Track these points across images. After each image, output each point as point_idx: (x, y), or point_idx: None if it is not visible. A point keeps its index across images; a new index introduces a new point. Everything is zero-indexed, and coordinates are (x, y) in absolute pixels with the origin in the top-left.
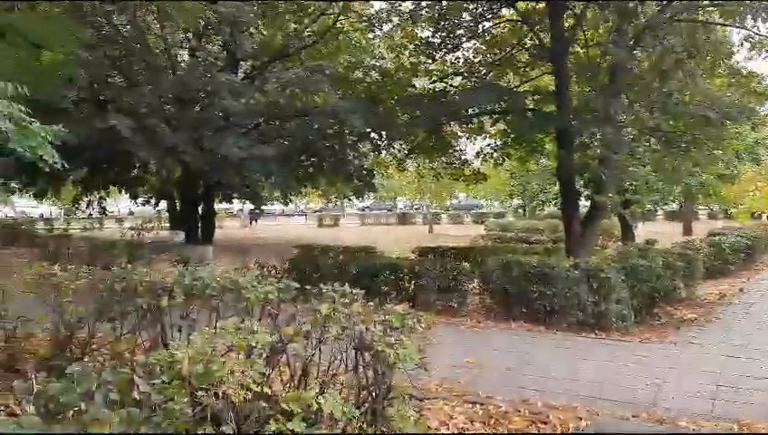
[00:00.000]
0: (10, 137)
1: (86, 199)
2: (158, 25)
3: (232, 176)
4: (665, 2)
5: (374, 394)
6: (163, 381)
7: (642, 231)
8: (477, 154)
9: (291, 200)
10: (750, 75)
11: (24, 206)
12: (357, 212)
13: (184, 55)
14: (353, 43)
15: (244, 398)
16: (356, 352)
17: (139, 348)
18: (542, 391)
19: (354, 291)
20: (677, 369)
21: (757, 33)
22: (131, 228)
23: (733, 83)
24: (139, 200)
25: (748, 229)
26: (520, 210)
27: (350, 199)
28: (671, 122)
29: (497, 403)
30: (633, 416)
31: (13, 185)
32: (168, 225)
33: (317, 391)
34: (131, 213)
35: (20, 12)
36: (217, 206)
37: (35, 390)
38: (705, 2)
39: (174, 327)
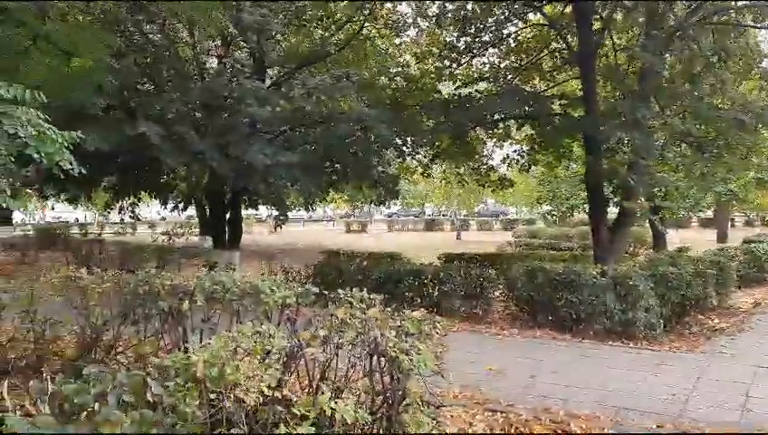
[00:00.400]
0: (28, 143)
1: (118, 205)
2: (187, 33)
3: (257, 182)
4: (695, 3)
5: (389, 401)
6: (178, 384)
7: (676, 238)
8: (504, 160)
9: (314, 207)
10: None
11: (62, 211)
12: (384, 218)
13: (212, 63)
14: (379, 49)
15: (257, 401)
16: (371, 358)
17: (162, 351)
18: (565, 400)
19: (371, 296)
20: (706, 379)
21: None
22: (162, 233)
23: (765, 87)
24: (169, 206)
25: None
26: (549, 217)
27: (378, 205)
28: (702, 127)
29: (518, 412)
30: (657, 426)
31: (48, 191)
32: (197, 230)
33: (331, 396)
34: (163, 218)
35: (51, 21)
36: (245, 212)
37: (50, 390)
38: (737, 2)
39: (195, 331)
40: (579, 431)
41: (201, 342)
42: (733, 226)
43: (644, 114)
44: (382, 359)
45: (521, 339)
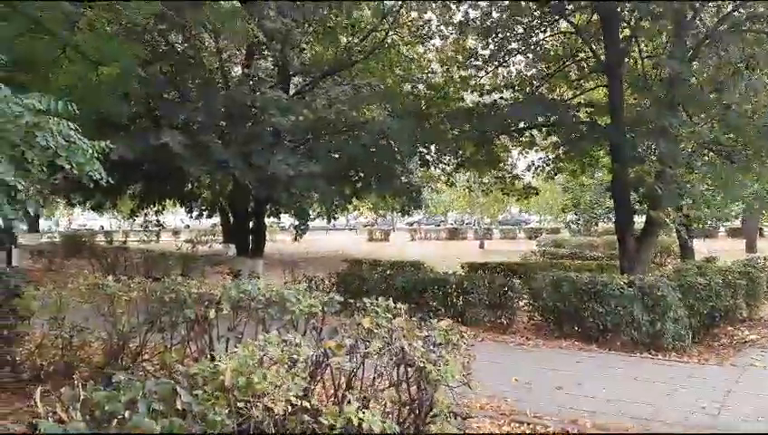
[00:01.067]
0: (59, 153)
1: (143, 212)
2: (212, 42)
3: (280, 192)
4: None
5: (416, 411)
6: (206, 392)
7: (703, 248)
8: (528, 168)
9: (336, 216)
10: None
11: (86, 219)
12: (406, 227)
13: (236, 71)
14: (403, 57)
15: (285, 411)
16: (398, 368)
17: (188, 358)
18: (592, 412)
19: (397, 305)
20: (737, 392)
21: None
22: (186, 241)
23: None
24: (193, 214)
25: None
26: (574, 225)
27: (403, 215)
28: (731, 136)
29: (545, 423)
30: None
31: (75, 199)
32: (221, 238)
33: (358, 405)
34: (186, 226)
35: (80, 31)
36: (268, 220)
37: (82, 397)
38: None
39: (221, 339)
40: None
41: (227, 350)
42: (761, 235)
43: (671, 122)
44: (409, 369)
45: (546, 349)
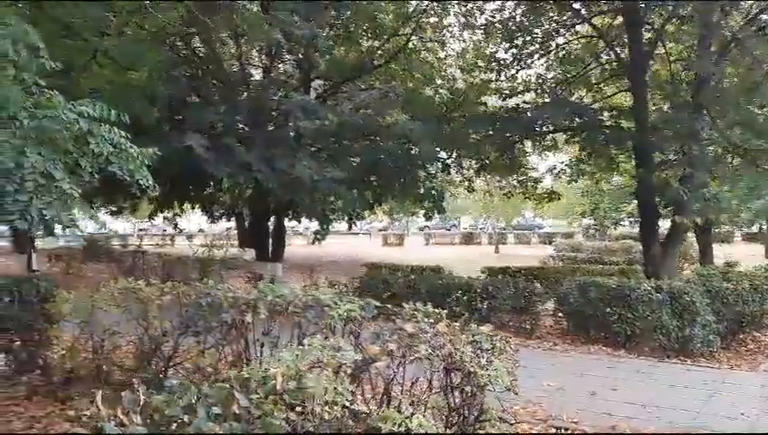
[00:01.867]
0: (111, 160)
1: (161, 216)
2: (233, 45)
3: (303, 196)
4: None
5: (464, 416)
6: (259, 396)
7: (720, 253)
8: (550, 171)
9: (356, 222)
10: None
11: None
12: (418, 232)
13: (258, 75)
14: (425, 61)
15: (336, 415)
16: (447, 373)
17: (221, 362)
18: (630, 418)
19: (438, 310)
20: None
21: None
22: (202, 245)
23: None
24: (214, 217)
25: None
26: (591, 230)
27: (426, 219)
28: (755, 139)
29: (584, 428)
30: None
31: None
32: (236, 242)
33: (406, 410)
34: (201, 230)
35: (109, 37)
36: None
37: (142, 401)
38: None
39: (256, 343)
40: None
41: (261, 354)
42: None
43: (700, 126)
44: (458, 373)
45: (575, 354)
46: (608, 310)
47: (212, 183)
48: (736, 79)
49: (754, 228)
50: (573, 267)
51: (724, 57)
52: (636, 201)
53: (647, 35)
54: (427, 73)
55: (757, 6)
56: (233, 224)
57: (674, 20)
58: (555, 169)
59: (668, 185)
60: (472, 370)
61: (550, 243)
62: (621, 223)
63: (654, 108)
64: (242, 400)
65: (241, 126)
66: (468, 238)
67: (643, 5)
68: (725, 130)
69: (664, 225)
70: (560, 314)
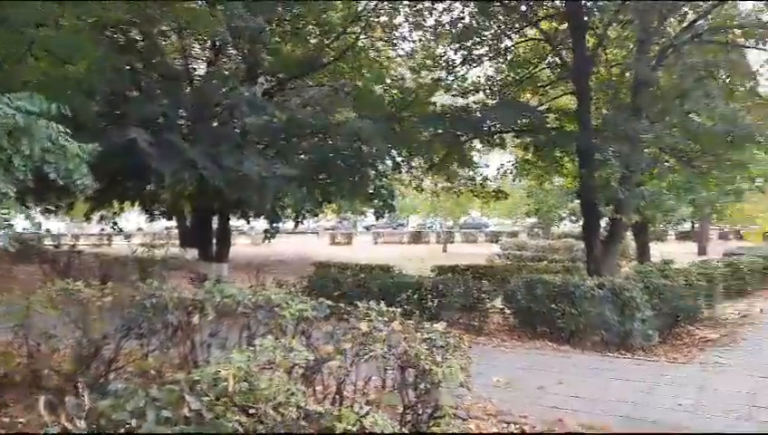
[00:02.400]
0: (48, 160)
1: (98, 215)
2: (176, 38)
3: (251, 193)
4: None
5: (419, 413)
6: (210, 398)
7: (655, 251)
8: (498, 169)
9: (304, 219)
10: None
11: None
12: (364, 231)
13: (202, 68)
14: (375, 60)
15: (289, 416)
16: (402, 371)
17: (166, 366)
18: (575, 411)
19: (391, 309)
20: (709, 389)
21: None
22: (141, 245)
23: (752, 106)
24: (148, 217)
25: (765, 249)
26: (535, 229)
27: (377, 217)
28: (690, 142)
29: (532, 422)
30: None
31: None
32: (177, 242)
33: (360, 409)
34: (139, 229)
35: (46, 27)
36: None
37: (87, 406)
38: (730, 21)
39: (203, 345)
40: None
41: (209, 356)
42: (708, 239)
43: (636, 128)
44: (411, 371)
45: (523, 350)
46: (553, 306)
47: (153, 180)
48: (670, 83)
49: (686, 227)
50: (519, 265)
51: (661, 62)
52: (578, 201)
53: (591, 40)
54: (377, 72)
55: (694, 13)
56: (173, 223)
57: (615, 25)
58: (502, 168)
59: (608, 185)
60: (427, 367)
61: (496, 242)
62: (564, 222)
63: (597, 111)
64: (193, 402)
65: (184, 121)
66: (417, 237)
67: (586, 11)
68: (662, 132)
69: (606, 224)
70: (507, 311)
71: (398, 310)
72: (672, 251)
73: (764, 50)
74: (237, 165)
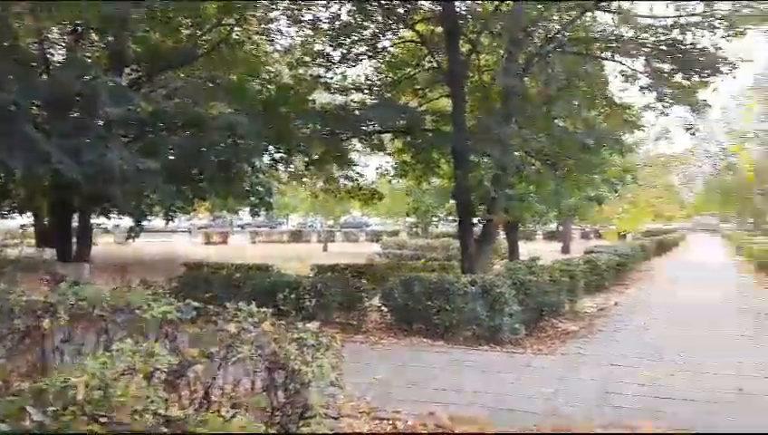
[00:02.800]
0: None
1: None
2: (32, 20)
3: (114, 189)
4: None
5: (288, 414)
6: (57, 409)
7: (524, 250)
8: (377, 169)
9: (173, 217)
10: (623, 106)
11: None
12: (240, 230)
13: (61, 54)
14: (252, 54)
15: (147, 423)
16: (269, 372)
17: (14, 375)
18: (446, 404)
19: (263, 310)
20: (569, 378)
21: (630, 67)
22: None
23: (609, 113)
24: (3, 214)
25: (620, 247)
26: (414, 228)
27: (252, 215)
28: (554, 147)
29: (404, 418)
30: (534, 425)
31: None
32: (33, 241)
33: (227, 413)
34: None
35: None
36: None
37: None
38: (587, 34)
39: (55, 351)
40: (460, 432)
41: (62, 363)
42: (571, 238)
43: (505, 132)
44: (281, 372)
45: (398, 348)
46: (429, 303)
47: (2, 175)
48: (538, 91)
49: (553, 227)
50: (398, 264)
51: (528, 70)
52: (454, 201)
53: (465, 45)
54: (253, 66)
55: (560, 24)
56: (29, 220)
57: (486, 32)
58: (380, 168)
59: (481, 186)
60: (296, 367)
61: (377, 241)
62: (442, 222)
63: (471, 114)
64: (35, 414)
65: (39, 111)
66: (297, 236)
67: (460, 16)
68: (529, 136)
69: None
70: (385, 309)
71: (270, 310)
72: (539, 249)
73: (618, 62)
74: (99, 158)
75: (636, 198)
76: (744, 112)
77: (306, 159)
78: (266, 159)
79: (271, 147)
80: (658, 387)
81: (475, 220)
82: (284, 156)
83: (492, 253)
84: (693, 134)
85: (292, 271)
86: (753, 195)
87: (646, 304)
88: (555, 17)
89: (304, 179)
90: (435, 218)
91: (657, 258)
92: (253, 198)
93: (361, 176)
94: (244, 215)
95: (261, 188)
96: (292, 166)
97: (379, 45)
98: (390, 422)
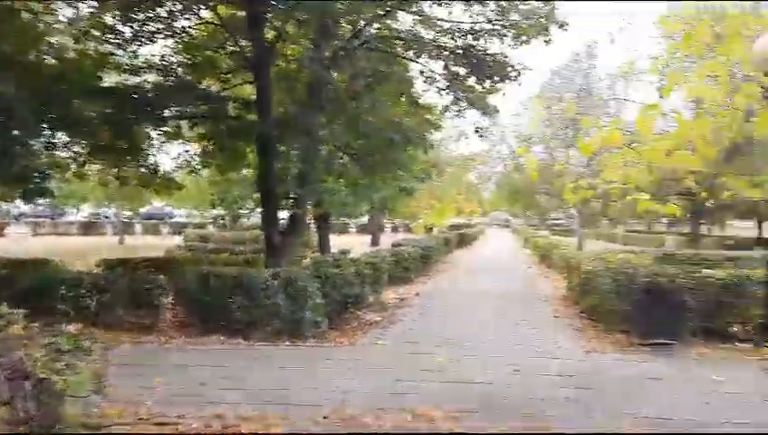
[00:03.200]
0: None
1: None
2: None
3: None
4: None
5: (36, 429)
6: None
7: (337, 242)
8: (174, 159)
9: None
10: (425, 106)
11: None
12: (16, 220)
13: None
14: (25, 22)
15: None
16: (10, 383)
17: None
18: (236, 404)
19: (15, 311)
20: (365, 368)
21: (430, 69)
22: None
23: (412, 112)
24: None
25: (424, 240)
26: (222, 220)
27: (26, 203)
28: (361, 142)
29: (189, 422)
30: (324, 417)
31: None
32: None
33: None
34: None
35: None
36: None
37: None
38: (391, 32)
39: None
40: (247, 432)
41: None
42: (383, 231)
43: (312, 124)
44: (27, 382)
45: (190, 347)
46: (229, 299)
47: None
48: (345, 85)
49: (365, 220)
50: (200, 258)
51: (335, 64)
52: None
53: (271, 32)
54: (32, 36)
55: (366, 20)
56: None
57: (293, 22)
58: (180, 156)
59: (287, 178)
60: (44, 376)
61: (181, 233)
62: (251, 213)
63: (279, 103)
64: None
65: None
66: (89, 228)
67: (263, 2)
68: (337, 130)
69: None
70: (180, 307)
71: (22, 311)
72: (352, 242)
73: (420, 63)
74: None
75: (441, 195)
76: (531, 118)
77: (90, 144)
78: (44, 141)
79: (50, 128)
80: (448, 372)
81: (282, 213)
82: (67, 139)
83: (299, 246)
84: (482, 136)
85: (80, 267)
86: (537, 194)
87: (444, 293)
88: (363, 14)
89: (91, 166)
90: (243, 210)
91: (460, 250)
92: (28, 184)
93: (157, 164)
94: (22, 204)
95: (37, 174)
96: (75, 150)
97: (177, 24)
98: (174, 427)
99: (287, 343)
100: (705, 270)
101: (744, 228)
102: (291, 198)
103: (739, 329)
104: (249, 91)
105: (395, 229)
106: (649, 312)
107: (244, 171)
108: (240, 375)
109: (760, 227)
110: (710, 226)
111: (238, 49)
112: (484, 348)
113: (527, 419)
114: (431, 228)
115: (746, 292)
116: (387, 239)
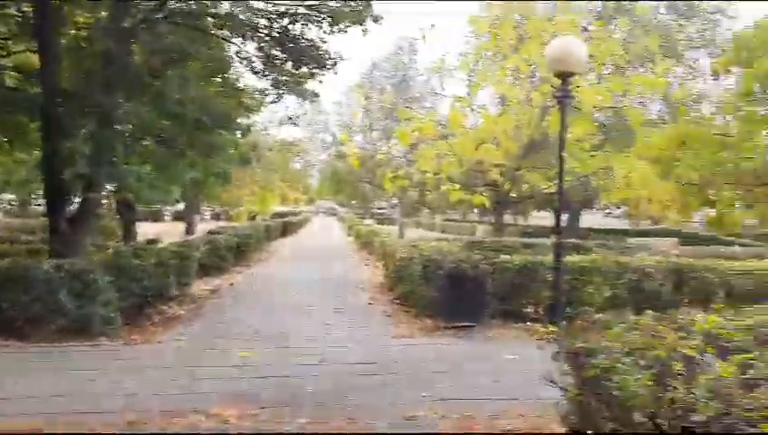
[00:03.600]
0: None
1: None
2: None
3: None
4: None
5: None
6: None
7: (150, 230)
8: None
9: None
10: (240, 89)
11: None
12: None
13: None
14: None
15: None
16: None
17: None
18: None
19: None
20: (160, 367)
21: (245, 51)
22: None
23: (227, 94)
24: None
25: (241, 228)
26: (9, 206)
27: None
28: (167, 123)
29: None
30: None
31: None
32: None
33: None
34: None
35: None
36: None
37: None
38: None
39: None
40: None
41: None
42: (203, 219)
43: (106, 101)
44: None
45: None
46: (1, 295)
47: None
48: (143, 60)
49: (182, 207)
50: None
51: (134, 37)
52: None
53: None
54: None
55: None
56: None
57: None
58: None
59: (76, 159)
60: None
61: None
62: (40, 199)
63: (69, 77)
64: None
65: None
66: None
67: None
68: (137, 110)
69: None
70: None
71: None
72: (166, 230)
73: (233, 43)
74: None
75: (263, 181)
76: (351, 107)
77: None
78: None
79: None
80: (250, 367)
81: (73, 198)
82: None
83: (94, 235)
84: (295, 124)
85: None
86: (360, 182)
87: (259, 284)
88: None
89: None
90: (33, 195)
91: (284, 239)
92: None
93: None
94: None
95: None
96: None
97: None
98: None
99: (72, 343)
100: (503, 256)
101: (543, 218)
102: (81, 181)
103: (532, 310)
104: (34, 60)
105: (216, 217)
106: (453, 296)
107: (37, 152)
108: (10, 383)
109: (557, 218)
110: (515, 216)
111: (18, 12)
112: (294, 339)
113: (329, 410)
114: (254, 216)
115: (538, 276)
116: (207, 227)
